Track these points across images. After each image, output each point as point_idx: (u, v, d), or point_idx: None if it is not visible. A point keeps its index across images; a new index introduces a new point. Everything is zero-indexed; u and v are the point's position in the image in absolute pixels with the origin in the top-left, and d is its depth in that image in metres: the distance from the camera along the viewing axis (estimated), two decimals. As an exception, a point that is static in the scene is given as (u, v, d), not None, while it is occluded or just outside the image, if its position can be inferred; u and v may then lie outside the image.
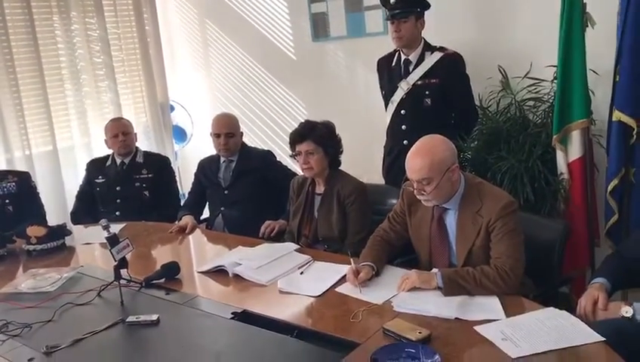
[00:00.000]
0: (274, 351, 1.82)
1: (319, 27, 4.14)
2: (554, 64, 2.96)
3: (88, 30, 4.32)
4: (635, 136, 2.68)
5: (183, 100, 4.97)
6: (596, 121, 2.97)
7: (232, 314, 2.04)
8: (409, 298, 2.02)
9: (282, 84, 4.50)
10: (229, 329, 1.98)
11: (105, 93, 4.44)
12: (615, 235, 2.85)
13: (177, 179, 3.99)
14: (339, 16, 4.02)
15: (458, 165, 2.16)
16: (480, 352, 1.71)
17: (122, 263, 2.26)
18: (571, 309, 1.93)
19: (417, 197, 2.17)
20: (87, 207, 3.62)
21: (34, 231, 2.88)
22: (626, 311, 1.88)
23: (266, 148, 3.78)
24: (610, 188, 2.77)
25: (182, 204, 3.59)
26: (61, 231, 2.98)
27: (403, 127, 3.15)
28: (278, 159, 3.53)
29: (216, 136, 3.33)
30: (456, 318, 1.87)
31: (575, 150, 2.87)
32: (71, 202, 3.87)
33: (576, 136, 2.85)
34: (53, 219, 3.56)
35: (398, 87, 3.13)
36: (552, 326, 1.77)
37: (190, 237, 3.09)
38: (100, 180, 3.60)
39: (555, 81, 2.94)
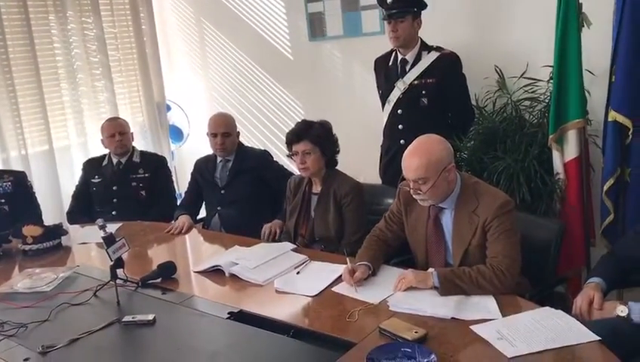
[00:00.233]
0: (270, 351, 1.82)
1: (316, 27, 4.14)
2: (550, 64, 2.97)
3: (85, 29, 4.31)
4: (630, 136, 2.69)
5: (180, 100, 4.96)
6: (592, 121, 2.98)
7: (229, 313, 2.04)
8: (405, 297, 2.02)
9: (279, 84, 4.50)
10: (225, 329, 1.98)
11: (101, 93, 4.42)
12: (611, 235, 2.86)
13: (174, 178, 3.98)
14: (335, 16, 4.02)
15: (454, 165, 2.16)
16: (476, 352, 1.71)
17: (118, 263, 2.26)
18: (567, 309, 1.93)
19: (414, 196, 2.18)
20: (84, 207, 3.61)
21: (30, 230, 2.87)
22: (622, 310, 1.89)
23: (262, 148, 3.78)
24: (606, 187, 2.78)
25: (178, 204, 3.58)
26: (57, 231, 2.98)
27: (400, 126, 3.15)
28: (274, 159, 3.53)
29: (212, 135, 3.33)
30: (452, 318, 1.87)
31: (571, 150, 2.87)
32: (67, 202, 3.87)
33: (572, 136, 2.86)
34: (49, 218, 3.56)
35: (394, 86, 3.13)
36: (548, 325, 1.78)
37: (186, 236, 3.09)
38: (96, 180, 3.59)
39: (551, 81, 2.96)
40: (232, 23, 4.59)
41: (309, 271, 2.38)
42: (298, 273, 2.35)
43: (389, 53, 3.22)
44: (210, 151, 3.46)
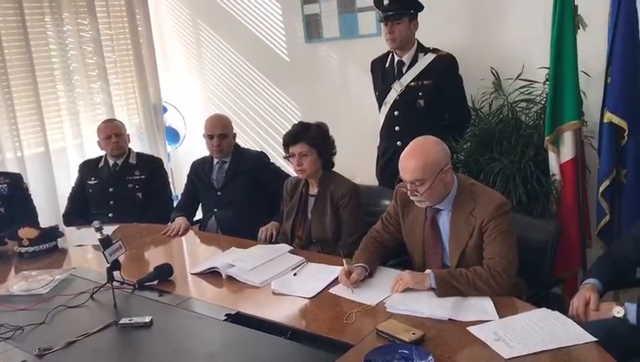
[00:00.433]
0: (268, 353, 1.82)
1: (312, 28, 4.14)
2: (546, 66, 2.98)
3: (81, 31, 4.29)
4: (626, 138, 2.70)
5: (176, 101, 4.96)
6: (587, 122, 2.99)
7: (226, 315, 2.04)
8: (402, 299, 2.02)
9: (275, 85, 4.49)
10: (222, 331, 1.98)
11: (97, 95, 4.41)
12: (607, 236, 2.87)
13: (170, 180, 3.98)
14: (332, 18, 4.03)
15: (451, 166, 2.16)
16: (473, 353, 1.71)
17: (115, 265, 2.25)
18: (564, 310, 1.94)
19: (411, 198, 2.18)
20: (80, 209, 3.60)
21: (26, 233, 2.87)
22: (618, 311, 1.90)
23: (259, 150, 3.78)
24: (601, 189, 2.79)
25: (175, 206, 3.57)
26: (53, 233, 2.97)
27: (396, 128, 3.16)
28: (271, 160, 3.52)
29: (209, 137, 3.33)
30: (449, 319, 1.88)
31: (567, 151, 2.88)
32: (63, 204, 3.85)
33: (568, 138, 2.86)
34: (45, 220, 3.53)
35: (391, 88, 3.13)
36: (545, 326, 1.78)
37: (183, 238, 3.09)
38: (92, 182, 3.58)
39: (547, 82, 2.96)
40: (228, 25, 4.59)
41: (306, 272, 2.38)
42: (295, 274, 2.35)
43: (386, 55, 3.23)
44: (206, 153, 3.46)
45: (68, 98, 4.26)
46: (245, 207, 3.29)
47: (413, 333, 1.76)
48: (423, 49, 3.12)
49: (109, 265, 2.22)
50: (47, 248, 2.91)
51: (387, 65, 3.20)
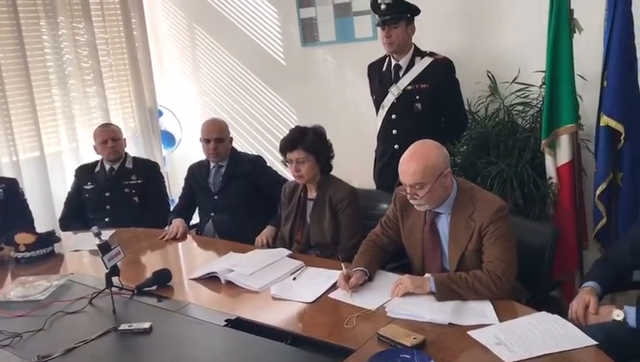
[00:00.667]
0: (269, 359, 1.82)
1: (308, 32, 4.14)
2: (542, 69, 3.00)
3: (76, 35, 4.28)
4: (622, 141, 2.71)
5: (172, 105, 4.94)
6: (584, 125, 3.00)
7: (226, 321, 2.03)
8: (403, 303, 2.02)
9: (271, 89, 4.49)
10: (222, 337, 1.98)
11: (93, 99, 4.39)
12: (603, 238, 2.88)
13: (166, 184, 3.96)
14: (328, 22, 4.03)
15: (451, 170, 2.17)
16: (474, 357, 1.72)
17: (114, 271, 2.24)
18: (562, 313, 1.94)
19: (410, 201, 2.18)
20: (76, 213, 3.58)
21: (23, 238, 2.85)
22: (617, 314, 1.91)
23: (255, 154, 3.77)
24: (598, 192, 2.79)
25: (172, 209, 3.56)
26: (50, 238, 2.96)
27: (394, 131, 3.16)
28: (268, 164, 3.52)
29: (205, 141, 3.32)
30: (449, 323, 1.88)
31: (564, 154, 2.89)
32: (59, 208, 3.84)
33: (564, 141, 2.88)
34: (41, 225, 3.53)
35: (388, 91, 3.14)
36: (545, 330, 1.79)
37: (180, 243, 3.07)
38: (89, 186, 3.56)
39: (544, 86, 2.98)
40: (224, 29, 4.58)
41: (306, 277, 2.38)
42: (294, 279, 2.35)
43: (383, 59, 3.23)
44: (202, 157, 3.46)
45: (63, 102, 4.24)
46: (242, 211, 3.28)
47: (414, 338, 1.76)
48: (419, 53, 3.12)
49: (107, 271, 2.21)
50: (44, 253, 2.89)
51: (384, 69, 3.21)
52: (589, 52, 2.87)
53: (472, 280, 2.03)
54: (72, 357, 1.88)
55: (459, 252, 2.17)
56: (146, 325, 2.00)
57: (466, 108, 3.30)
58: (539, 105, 3.12)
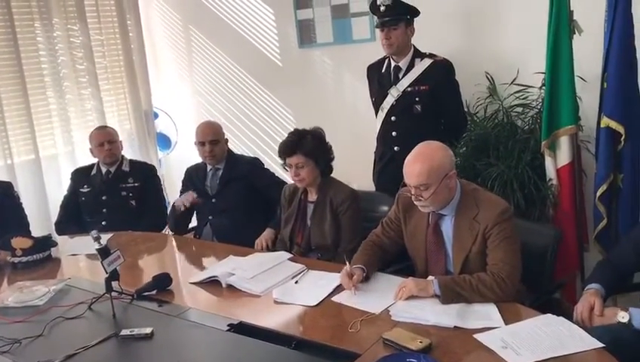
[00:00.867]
0: (273, 363, 1.80)
1: (305, 34, 4.13)
2: (541, 71, 3.00)
3: (71, 37, 4.24)
4: (623, 142, 2.71)
5: (167, 107, 4.91)
6: (583, 126, 3.00)
7: (229, 325, 2.01)
8: (407, 306, 2.01)
9: (268, 91, 4.47)
10: (225, 342, 1.95)
11: (88, 101, 4.35)
12: (604, 240, 2.88)
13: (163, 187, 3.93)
14: (325, 23, 4.01)
15: (455, 172, 2.16)
16: (481, 361, 1.71)
17: (114, 275, 2.21)
18: (564, 315, 1.92)
19: (415, 203, 2.17)
20: (73, 217, 3.55)
21: (19, 242, 2.82)
22: (623, 316, 1.90)
23: (252, 156, 3.75)
24: (599, 193, 2.79)
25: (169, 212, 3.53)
26: (47, 243, 2.92)
27: (393, 133, 3.15)
28: (265, 166, 3.50)
29: (200, 144, 3.29)
30: (455, 326, 1.87)
31: (564, 156, 2.89)
32: (54, 212, 3.80)
33: (564, 142, 2.88)
34: (36, 229, 3.47)
35: (388, 93, 3.12)
36: (551, 333, 1.78)
37: (179, 247, 3.05)
38: (85, 189, 3.53)
39: (543, 87, 2.98)
40: (220, 30, 4.56)
41: (307, 280, 2.35)
42: (296, 282, 2.33)
43: (382, 60, 3.22)
44: (199, 159, 3.43)
45: (58, 104, 4.20)
46: (240, 213, 3.26)
47: (420, 342, 1.74)
48: (419, 54, 3.11)
49: (107, 276, 2.18)
50: (41, 258, 2.86)
51: (383, 71, 3.19)
52: (588, 53, 2.87)
53: (477, 282, 2.02)
54: (73, 364, 1.85)
55: (463, 254, 2.16)
56: (148, 330, 1.98)
57: (465, 109, 3.29)
58: (538, 107, 3.11)
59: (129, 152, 4.37)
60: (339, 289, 2.20)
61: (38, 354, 1.91)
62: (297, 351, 1.85)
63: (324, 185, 2.73)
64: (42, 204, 4.05)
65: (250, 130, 4.61)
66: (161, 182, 3.83)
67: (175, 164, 4.91)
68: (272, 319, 2.07)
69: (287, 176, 3.37)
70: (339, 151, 2.92)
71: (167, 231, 3.55)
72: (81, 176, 3.59)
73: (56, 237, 3.24)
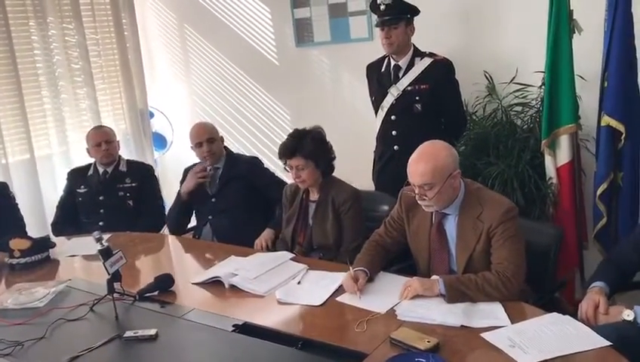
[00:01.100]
0: (281, 364, 1.79)
1: (303, 33, 4.11)
2: (539, 70, 3.01)
3: (66, 36, 4.20)
4: (623, 141, 2.72)
5: (163, 107, 4.88)
6: (583, 125, 3.01)
7: (233, 326, 1.99)
8: (412, 306, 2.00)
9: (265, 90, 4.45)
10: (231, 342, 1.94)
11: (83, 100, 4.31)
12: (603, 238, 2.89)
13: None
14: (322, 22, 4.00)
15: (460, 171, 2.15)
16: (489, 359, 1.71)
17: (116, 276, 2.19)
18: (563, 313, 1.92)
19: (418, 202, 2.17)
20: (69, 218, 3.51)
21: (17, 243, 2.78)
22: (628, 314, 1.91)
23: (250, 155, 3.73)
24: (599, 192, 2.80)
25: (167, 213, 3.51)
26: (45, 244, 2.89)
27: (393, 132, 3.14)
28: (264, 165, 3.48)
29: (197, 145, 3.27)
30: (461, 326, 1.86)
31: (564, 155, 2.90)
32: (49, 212, 3.76)
33: (564, 141, 2.89)
34: (31, 230, 3.45)
35: (388, 92, 3.12)
36: (558, 331, 1.78)
37: (180, 247, 3.02)
38: (82, 190, 3.49)
39: (542, 86, 2.98)
40: (216, 29, 4.54)
41: (310, 280, 2.34)
42: (299, 283, 2.32)
43: (382, 59, 3.21)
44: (194, 159, 3.40)
45: (53, 104, 4.16)
46: (240, 213, 3.24)
47: (428, 341, 1.74)
48: (419, 53, 3.11)
49: (110, 277, 2.16)
50: (39, 259, 2.82)
51: (383, 70, 3.19)
52: (587, 52, 2.88)
53: (482, 281, 2.02)
54: (77, 366, 1.83)
55: (467, 253, 2.16)
56: (152, 331, 1.96)
57: (464, 108, 3.29)
58: (537, 106, 3.12)
59: (124, 152, 4.33)
60: (342, 288, 2.19)
61: (41, 356, 1.90)
62: (304, 351, 1.84)
63: (326, 184, 2.72)
64: (37, 204, 4.00)
65: (246, 130, 4.59)
66: (159, 182, 3.79)
67: (171, 164, 4.88)
68: (277, 319, 2.06)
69: (285, 176, 3.36)
70: (336, 151, 2.90)
71: (165, 231, 3.53)
72: (77, 176, 3.56)
73: (52, 238, 3.20)
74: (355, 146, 3.67)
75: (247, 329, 1.99)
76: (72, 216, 3.52)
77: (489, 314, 1.93)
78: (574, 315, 1.96)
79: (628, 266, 2.23)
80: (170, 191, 3.99)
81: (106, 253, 2.18)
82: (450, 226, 2.21)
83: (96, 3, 4.39)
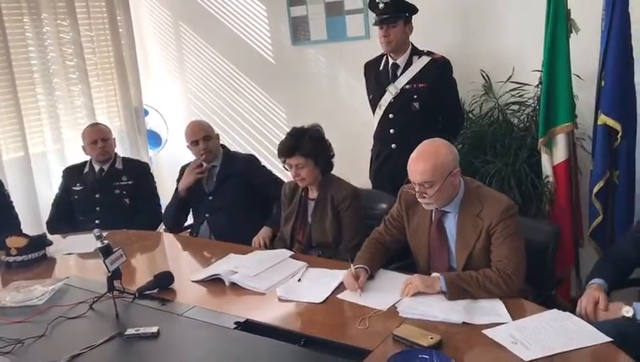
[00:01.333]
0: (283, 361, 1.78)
1: (299, 31, 4.11)
2: (536, 69, 3.03)
3: (60, 32, 4.17)
4: (619, 139, 2.75)
5: (158, 104, 4.87)
6: (579, 124, 3.03)
7: (235, 323, 1.99)
8: (414, 303, 2.01)
9: (261, 88, 4.45)
10: (233, 340, 1.93)
11: (78, 97, 4.29)
12: (599, 236, 2.92)
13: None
14: (319, 20, 4.01)
15: (460, 169, 2.16)
16: (492, 356, 1.72)
17: (116, 274, 2.18)
18: (562, 310, 1.95)
19: (419, 200, 2.18)
20: (65, 215, 3.48)
21: (14, 241, 2.76)
22: (627, 310, 1.93)
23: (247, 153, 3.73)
24: (595, 190, 2.83)
25: (164, 211, 3.50)
26: (42, 242, 2.87)
27: (391, 131, 3.15)
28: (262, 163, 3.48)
29: (193, 143, 3.26)
30: (463, 322, 1.87)
31: (560, 153, 2.93)
32: (44, 210, 3.74)
33: (561, 140, 2.91)
34: (26, 228, 3.41)
35: (386, 91, 3.12)
36: (559, 328, 1.80)
37: (177, 245, 3.01)
38: (77, 188, 3.46)
39: (539, 85, 3.01)
40: (211, 27, 4.53)
41: (310, 277, 2.35)
42: (299, 280, 2.32)
43: (380, 58, 3.22)
44: (189, 157, 3.39)
45: (48, 101, 4.13)
46: (238, 210, 3.23)
47: (431, 338, 1.75)
48: (417, 52, 3.12)
49: (109, 274, 2.15)
50: (36, 257, 2.80)
51: (381, 68, 3.19)
52: (584, 52, 2.90)
53: (483, 279, 2.03)
54: (78, 364, 1.82)
55: (466, 251, 2.17)
56: (154, 329, 1.95)
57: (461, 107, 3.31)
58: (534, 105, 3.14)
59: (119, 150, 4.29)
60: (343, 286, 2.20)
61: (42, 354, 1.88)
62: (306, 348, 1.84)
63: (325, 182, 2.72)
64: (32, 202, 3.98)
65: (242, 128, 4.59)
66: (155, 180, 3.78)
67: (165, 162, 4.87)
68: (279, 317, 2.06)
69: (282, 174, 3.36)
70: (333, 149, 2.91)
71: (161, 229, 3.52)
72: (73, 174, 3.53)
73: (48, 236, 3.18)
74: (351, 144, 3.68)
75: (249, 326, 1.99)
76: (68, 213, 3.49)
77: (490, 311, 1.94)
78: (571, 312, 1.97)
79: (625, 263, 2.25)
80: (164, 189, 3.98)
81: (106, 251, 2.17)
82: (450, 224, 2.22)
83: (91, 0, 4.36)
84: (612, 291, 2.43)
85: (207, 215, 3.28)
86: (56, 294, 2.36)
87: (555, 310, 1.91)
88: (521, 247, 2.11)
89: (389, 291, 2.13)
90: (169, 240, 3.15)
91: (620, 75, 2.68)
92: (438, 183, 2.09)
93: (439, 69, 3.07)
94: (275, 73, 4.33)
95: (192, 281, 2.41)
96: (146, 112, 4.78)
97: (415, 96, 3.07)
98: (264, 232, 3.07)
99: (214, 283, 2.37)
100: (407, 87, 3.08)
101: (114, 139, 3.59)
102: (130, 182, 3.48)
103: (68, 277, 2.53)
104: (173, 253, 2.99)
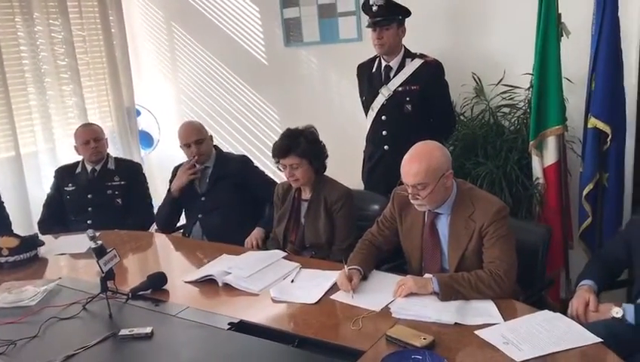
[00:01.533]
0: (277, 362, 1.80)
1: (292, 32, 4.12)
2: (527, 72, 3.05)
3: (52, 32, 4.15)
4: (609, 142, 2.78)
5: (150, 105, 4.85)
6: (569, 127, 3.06)
7: (229, 324, 2.00)
8: (407, 304, 2.03)
9: (253, 89, 4.45)
10: (227, 340, 1.94)
11: (69, 97, 4.27)
12: (588, 237, 2.96)
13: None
14: (312, 22, 4.02)
15: (452, 171, 2.18)
16: (484, 356, 1.73)
17: (109, 275, 2.18)
18: (552, 311, 1.97)
19: (412, 201, 2.19)
20: (57, 216, 3.47)
21: (6, 242, 2.75)
22: (617, 311, 1.96)
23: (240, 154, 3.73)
24: (585, 192, 2.86)
25: (156, 211, 3.49)
26: (33, 242, 2.86)
27: (383, 132, 3.17)
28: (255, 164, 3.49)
29: (186, 146, 3.26)
30: (455, 323, 1.89)
31: (550, 155, 2.95)
32: (35, 210, 3.72)
33: (551, 142, 2.94)
34: (17, 228, 3.40)
35: (379, 93, 3.14)
36: (550, 328, 1.82)
37: (170, 245, 3.01)
38: (69, 188, 3.45)
39: (530, 88, 3.03)
40: (204, 28, 4.52)
41: (303, 278, 2.36)
42: (293, 281, 2.33)
43: (373, 60, 3.23)
44: (181, 157, 3.39)
45: (39, 101, 4.11)
46: (230, 211, 3.23)
47: (424, 338, 1.76)
48: (410, 54, 3.14)
49: (103, 275, 2.15)
50: (28, 257, 2.79)
51: (374, 70, 3.21)
52: (574, 55, 2.94)
53: (475, 280, 2.05)
54: (72, 365, 1.82)
55: (459, 252, 2.19)
56: (148, 330, 1.96)
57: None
58: (524, 108, 3.17)
59: (111, 150, 4.27)
60: (336, 287, 2.21)
61: (35, 355, 1.88)
62: (300, 349, 1.85)
63: (319, 183, 2.74)
64: (23, 202, 3.96)
65: (234, 130, 4.59)
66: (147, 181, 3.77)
67: (157, 163, 4.86)
68: (273, 317, 2.07)
69: (275, 176, 3.37)
70: (325, 150, 2.93)
71: (153, 229, 3.51)
72: (65, 174, 3.52)
73: (40, 236, 3.17)
74: (344, 146, 3.68)
75: (243, 327, 2.00)
76: (60, 214, 3.48)
77: (482, 312, 1.96)
78: (561, 313, 2.00)
79: (615, 264, 2.28)
80: (156, 189, 3.98)
81: (100, 251, 2.16)
82: (443, 225, 2.24)
83: (83, -1, 4.36)
84: (601, 292, 2.49)
85: (199, 216, 3.28)
86: (48, 295, 2.36)
87: (546, 311, 1.94)
88: (512, 249, 2.14)
89: (382, 292, 2.14)
90: (161, 240, 3.15)
91: (610, 78, 2.71)
92: (431, 185, 2.11)
93: (432, 72, 3.10)
94: (267, 74, 4.34)
95: (185, 282, 2.41)
96: (138, 113, 4.77)
97: (407, 99, 3.09)
98: (257, 233, 3.08)
99: (207, 283, 2.37)
100: (400, 89, 3.10)
101: (106, 139, 3.58)
102: (122, 183, 3.47)
103: (60, 278, 2.53)
104: (166, 254, 2.99)
